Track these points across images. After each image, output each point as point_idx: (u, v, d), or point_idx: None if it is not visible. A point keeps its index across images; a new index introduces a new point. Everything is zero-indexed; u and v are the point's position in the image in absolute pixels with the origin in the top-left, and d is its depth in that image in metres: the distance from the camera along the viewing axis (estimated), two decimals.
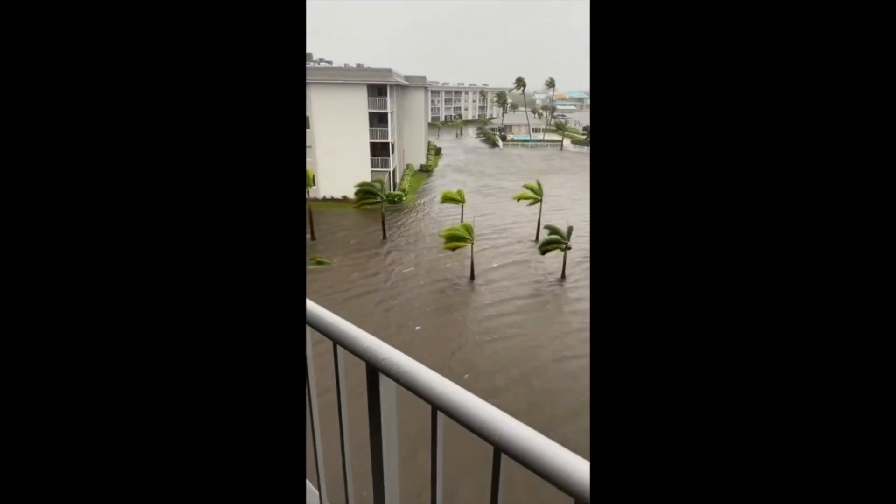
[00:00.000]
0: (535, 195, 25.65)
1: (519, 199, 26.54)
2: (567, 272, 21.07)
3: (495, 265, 22.49)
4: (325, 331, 0.96)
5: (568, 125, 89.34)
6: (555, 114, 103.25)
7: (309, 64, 37.74)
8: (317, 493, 1.23)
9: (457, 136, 79.82)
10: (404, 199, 33.48)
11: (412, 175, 40.69)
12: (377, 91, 31.83)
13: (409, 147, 42.46)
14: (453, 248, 20.75)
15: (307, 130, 31.29)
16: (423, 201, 34.30)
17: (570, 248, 20.91)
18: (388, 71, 32.61)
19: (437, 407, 0.76)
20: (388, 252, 23.88)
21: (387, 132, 32.40)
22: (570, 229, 20.82)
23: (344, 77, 32.35)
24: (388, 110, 32.17)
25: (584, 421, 11.09)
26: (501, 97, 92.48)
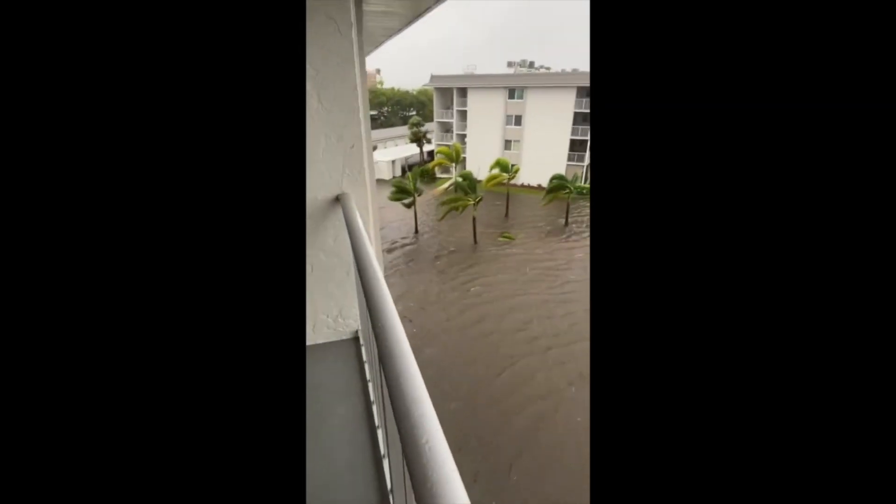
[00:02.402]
0: None
1: None
2: None
3: None
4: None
5: None
6: None
7: (530, 71, 42.83)
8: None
9: None
10: None
11: None
12: (586, 93, 34.90)
13: None
14: None
15: (518, 128, 36.88)
16: None
17: None
18: None
19: None
20: (567, 237, 27.43)
21: (587, 130, 35.39)
22: None
23: (555, 81, 36.63)
24: None
25: None
26: None
